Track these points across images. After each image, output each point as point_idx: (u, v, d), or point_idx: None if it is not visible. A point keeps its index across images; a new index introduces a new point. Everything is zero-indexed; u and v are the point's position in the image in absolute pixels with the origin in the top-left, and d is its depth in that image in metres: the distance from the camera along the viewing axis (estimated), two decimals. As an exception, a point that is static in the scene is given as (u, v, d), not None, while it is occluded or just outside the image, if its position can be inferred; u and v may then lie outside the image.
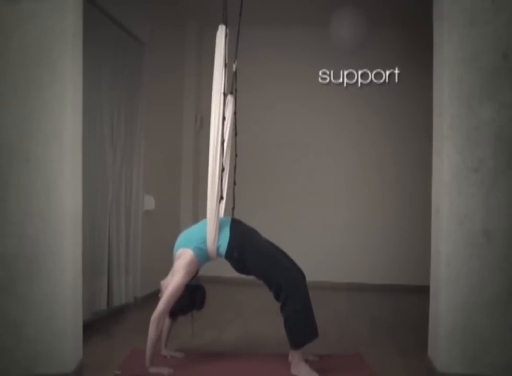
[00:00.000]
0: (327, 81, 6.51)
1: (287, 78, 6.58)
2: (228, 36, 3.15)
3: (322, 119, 6.58)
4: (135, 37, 4.98)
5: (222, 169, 3.12)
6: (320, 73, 6.53)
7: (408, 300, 5.61)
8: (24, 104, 2.93)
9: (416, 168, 6.14)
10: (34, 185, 2.94)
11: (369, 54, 6.28)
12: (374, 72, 6.47)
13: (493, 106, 3.07)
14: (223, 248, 3.17)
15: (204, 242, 3.17)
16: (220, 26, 3.15)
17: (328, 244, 6.46)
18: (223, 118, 3.12)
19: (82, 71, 3.16)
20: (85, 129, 3.57)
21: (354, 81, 6.54)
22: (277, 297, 3.14)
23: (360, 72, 6.51)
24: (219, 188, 3.12)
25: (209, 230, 3.13)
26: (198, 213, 6.49)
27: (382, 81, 6.46)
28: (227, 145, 3.38)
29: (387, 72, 6.46)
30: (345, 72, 6.52)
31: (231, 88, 3.55)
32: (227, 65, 3.12)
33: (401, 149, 6.42)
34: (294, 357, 3.14)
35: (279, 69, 6.60)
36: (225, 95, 3.15)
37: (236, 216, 3.47)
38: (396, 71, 6.41)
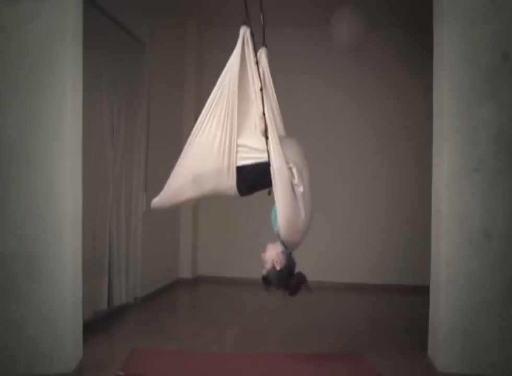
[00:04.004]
0: (327, 81, 6.54)
1: (287, 78, 6.57)
2: (253, 36, 3.02)
3: (323, 119, 6.57)
4: (135, 37, 4.98)
5: None
6: (320, 74, 6.56)
7: (408, 300, 5.61)
8: (24, 104, 2.93)
9: (416, 169, 6.13)
10: (34, 185, 2.94)
11: (369, 54, 6.30)
12: (375, 72, 6.49)
13: (493, 106, 3.07)
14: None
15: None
16: (242, 27, 3.01)
17: (329, 244, 6.46)
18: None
19: (82, 71, 3.16)
20: (86, 129, 3.57)
21: (354, 81, 6.56)
22: None
23: (360, 72, 6.53)
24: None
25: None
26: (198, 213, 6.50)
27: (382, 81, 6.48)
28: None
29: (388, 73, 6.47)
30: (345, 73, 6.54)
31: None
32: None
33: (401, 149, 6.41)
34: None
35: (278, 69, 6.59)
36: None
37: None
38: (397, 71, 6.44)
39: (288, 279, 3.01)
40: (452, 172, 3.12)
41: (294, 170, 2.93)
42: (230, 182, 2.95)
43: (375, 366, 3.28)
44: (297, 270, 3.14)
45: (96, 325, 4.10)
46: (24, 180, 2.93)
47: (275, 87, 3.30)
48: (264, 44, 3.22)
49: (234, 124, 2.97)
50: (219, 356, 3.48)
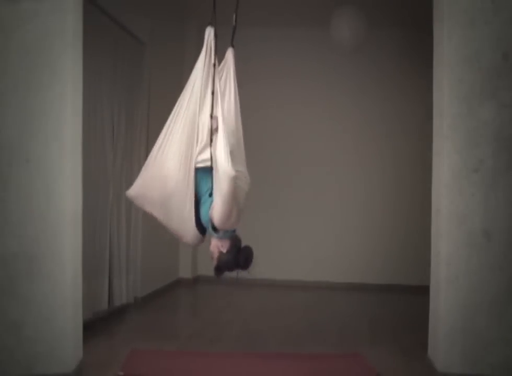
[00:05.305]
0: (326, 82, 6.54)
1: (286, 79, 6.57)
2: (217, 37, 3.04)
3: (322, 120, 6.57)
4: (135, 37, 4.98)
5: None
6: (318, 75, 6.56)
7: (408, 300, 5.61)
8: (24, 104, 2.93)
9: (416, 169, 6.14)
10: (34, 185, 2.94)
11: (368, 55, 6.29)
12: (374, 73, 6.49)
13: (493, 106, 3.07)
14: None
15: None
16: (207, 28, 3.03)
17: (328, 244, 6.46)
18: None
19: (82, 71, 3.16)
20: (85, 129, 3.57)
21: (353, 82, 6.56)
22: None
23: (359, 73, 6.53)
24: None
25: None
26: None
27: (381, 81, 6.48)
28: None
29: (387, 73, 6.47)
30: (344, 73, 6.54)
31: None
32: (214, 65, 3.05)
33: (401, 149, 6.41)
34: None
35: (278, 69, 6.59)
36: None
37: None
38: (396, 72, 6.44)
39: (237, 256, 3.10)
40: (452, 171, 3.12)
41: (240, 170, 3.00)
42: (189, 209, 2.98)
43: (375, 366, 3.28)
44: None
45: (96, 325, 4.10)
46: (24, 180, 2.93)
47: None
48: (232, 45, 3.20)
49: (194, 135, 3.00)
50: (219, 356, 3.48)
